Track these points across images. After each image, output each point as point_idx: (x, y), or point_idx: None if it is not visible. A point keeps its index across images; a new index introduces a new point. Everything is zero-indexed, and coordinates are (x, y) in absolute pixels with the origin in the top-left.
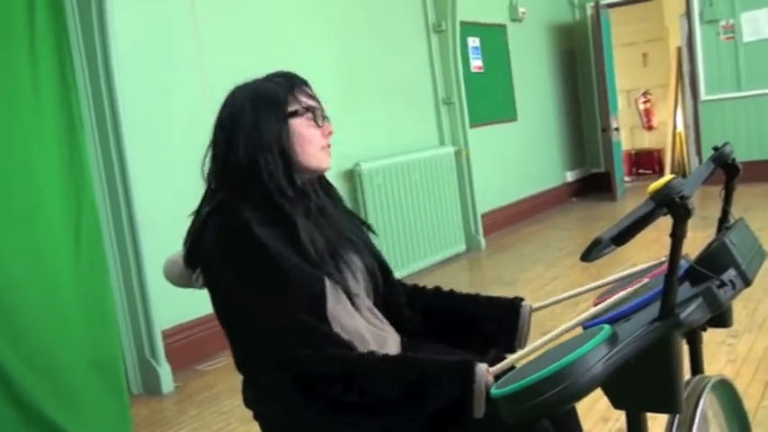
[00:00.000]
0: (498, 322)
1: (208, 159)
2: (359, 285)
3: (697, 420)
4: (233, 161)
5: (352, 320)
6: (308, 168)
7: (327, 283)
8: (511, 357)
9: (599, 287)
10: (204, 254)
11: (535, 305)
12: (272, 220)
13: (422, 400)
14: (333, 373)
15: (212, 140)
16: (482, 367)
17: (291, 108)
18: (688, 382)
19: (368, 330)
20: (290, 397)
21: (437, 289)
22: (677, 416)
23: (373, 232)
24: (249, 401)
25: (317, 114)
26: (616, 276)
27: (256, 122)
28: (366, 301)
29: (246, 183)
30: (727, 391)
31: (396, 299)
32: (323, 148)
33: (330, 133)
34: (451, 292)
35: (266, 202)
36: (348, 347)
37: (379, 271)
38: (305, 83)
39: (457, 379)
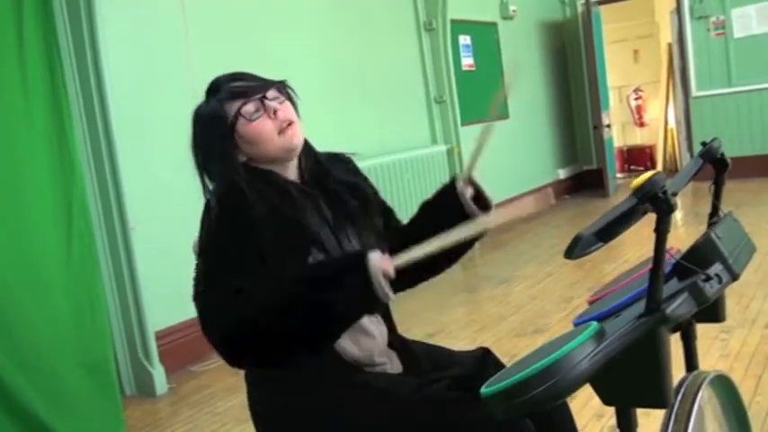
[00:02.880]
0: (442, 200)
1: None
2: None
3: (694, 415)
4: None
5: None
6: (280, 158)
7: (313, 254)
8: (412, 251)
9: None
10: (201, 222)
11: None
12: (267, 186)
13: (327, 296)
14: (246, 319)
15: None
16: (374, 254)
17: (228, 120)
18: (684, 378)
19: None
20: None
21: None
22: (674, 411)
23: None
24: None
25: (255, 107)
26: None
27: (211, 152)
28: None
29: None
30: (725, 386)
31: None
32: (281, 132)
33: (276, 111)
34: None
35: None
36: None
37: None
38: (234, 78)
39: (350, 266)
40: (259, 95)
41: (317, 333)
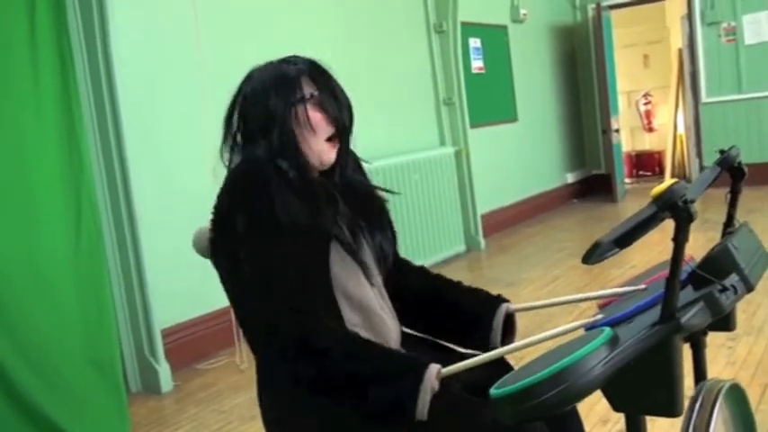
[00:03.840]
0: (476, 315)
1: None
2: (371, 260)
3: (713, 425)
4: (247, 135)
5: (361, 289)
6: (312, 163)
7: (334, 248)
8: (465, 362)
9: (582, 300)
10: (217, 203)
11: (512, 307)
12: (293, 179)
13: (364, 389)
14: (299, 345)
15: (228, 115)
16: (433, 368)
17: (300, 93)
18: (701, 387)
19: (376, 303)
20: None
21: (422, 268)
22: (692, 422)
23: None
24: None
25: (329, 105)
26: (603, 293)
27: (267, 103)
28: (378, 279)
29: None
30: (737, 396)
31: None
32: (326, 141)
33: (336, 119)
34: (437, 275)
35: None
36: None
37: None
38: (319, 69)
39: (406, 372)
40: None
41: (342, 397)
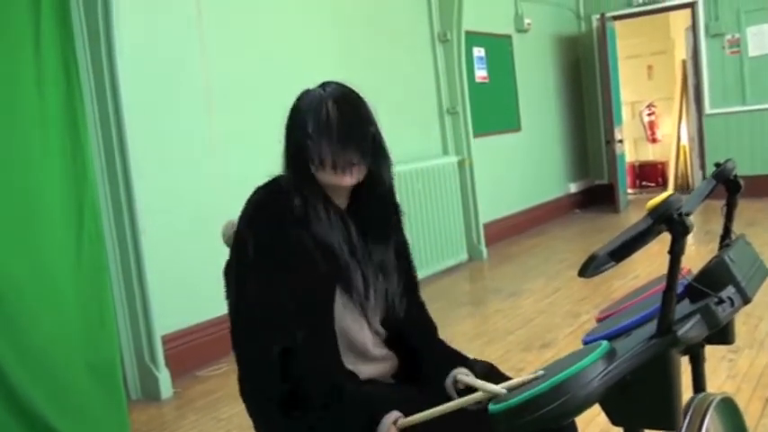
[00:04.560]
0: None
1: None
2: (375, 305)
3: None
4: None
5: (362, 333)
6: (326, 184)
7: (339, 287)
8: (425, 413)
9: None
10: (240, 219)
11: (452, 381)
12: (308, 216)
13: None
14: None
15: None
16: (389, 417)
17: (315, 156)
18: (692, 400)
19: (373, 346)
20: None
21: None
22: None
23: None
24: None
25: (335, 164)
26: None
27: (294, 133)
28: (376, 321)
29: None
30: (729, 409)
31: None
32: (336, 175)
33: (347, 173)
34: (440, 340)
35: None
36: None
37: (405, 295)
38: (341, 107)
39: (363, 415)
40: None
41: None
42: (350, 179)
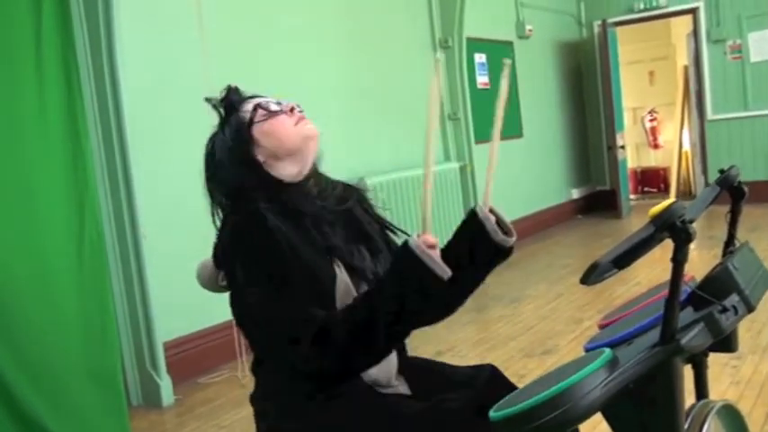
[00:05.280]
0: (469, 241)
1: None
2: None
3: None
4: (225, 192)
5: None
6: (299, 150)
7: (339, 281)
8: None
9: None
10: (222, 249)
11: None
12: (284, 210)
13: (396, 296)
14: (345, 335)
15: (207, 184)
16: (413, 238)
17: (245, 120)
18: (692, 407)
19: None
20: (301, 385)
21: None
22: None
23: (394, 233)
24: (258, 401)
25: (264, 106)
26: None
27: (232, 167)
28: None
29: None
30: (731, 416)
31: None
32: (296, 124)
33: (293, 108)
34: None
35: (277, 197)
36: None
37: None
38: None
39: (398, 260)
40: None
41: (401, 332)
42: (312, 129)
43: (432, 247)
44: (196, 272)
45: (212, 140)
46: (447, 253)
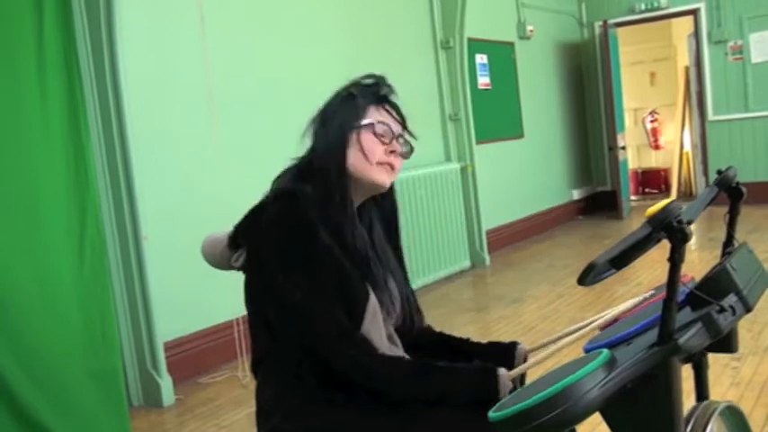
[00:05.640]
0: (495, 358)
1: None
2: (393, 309)
3: None
4: (311, 150)
5: (380, 340)
6: (363, 182)
7: (371, 302)
8: (530, 362)
9: (589, 325)
10: (259, 235)
11: (529, 347)
12: (331, 221)
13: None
14: (379, 373)
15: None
16: (503, 372)
17: (365, 121)
18: (696, 408)
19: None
20: (314, 390)
21: (428, 327)
22: None
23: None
24: (260, 401)
25: (386, 133)
26: (610, 313)
27: (333, 123)
28: (390, 328)
29: (315, 176)
30: (735, 417)
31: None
32: (380, 164)
33: (394, 152)
34: (441, 333)
35: (327, 201)
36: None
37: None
38: (389, 101)
39: (481, 386)
40: (398, 132)
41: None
42: (389, 180)
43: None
44: (203, 246)
45: (340, 96)
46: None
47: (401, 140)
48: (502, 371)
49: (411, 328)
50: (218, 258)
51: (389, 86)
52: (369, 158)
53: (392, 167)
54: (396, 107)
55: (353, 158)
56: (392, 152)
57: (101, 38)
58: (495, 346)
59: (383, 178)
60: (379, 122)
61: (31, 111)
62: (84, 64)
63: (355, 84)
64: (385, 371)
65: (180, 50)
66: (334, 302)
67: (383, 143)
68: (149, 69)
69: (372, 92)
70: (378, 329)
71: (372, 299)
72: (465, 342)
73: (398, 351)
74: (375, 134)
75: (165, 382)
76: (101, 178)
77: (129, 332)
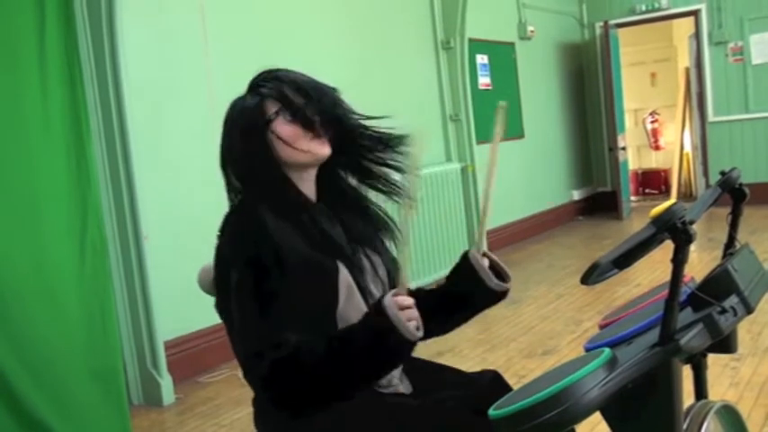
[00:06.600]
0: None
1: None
2: (377, 283)
3: None
4: (238, 176)
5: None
6: (303, 163)
7: (342, 276)
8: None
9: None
10: (218, 252)
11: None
12: (287, 212)
13: (365, 352)
14: (299, 369)
15: (221, 163)
16: (387, 298)
17: (266, 116)
18: (692, 407)
19: None
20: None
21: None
22: None
23: (394, 236)
24: (258, 403)
25: (290, 111)
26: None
27: (242, 146)
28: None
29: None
30: (731, 416)
31: None
32: (311, 139)
33: (313, 132)
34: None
35: (281, 197)
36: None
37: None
38: (280, 78)
39: (372, 321)
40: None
41: (368, 379)
42: (326, 148)
43: (406, 307)
44: (197, 276)
45: (232, 111)
46: (438, 296)
47: (311, 113)
48: (386, 300)
49: None
50: (209, 286)
51: (268, 73)
52: (295, 143)
53: (320, 139)
54: (287, 85)
55: (281, 151)
56: (311, 133)
57: (102, 38)
58: (454, 271)
59: (321, 150)
60: (275, 112)
61: (33, 110)
62: (86, 64)
63: (247, 93)
64: (303, 360)
65: (181, 50)
66: (270, 321)
67: (298, 129)
68: (150, 69)
69: (259, 88)
70: (356, 309)
71: (344, 276)
72: (438, 289)
73: None
74: (286, 119)
75: (166, 381)
76: (101, 178)
77: (129, 331)
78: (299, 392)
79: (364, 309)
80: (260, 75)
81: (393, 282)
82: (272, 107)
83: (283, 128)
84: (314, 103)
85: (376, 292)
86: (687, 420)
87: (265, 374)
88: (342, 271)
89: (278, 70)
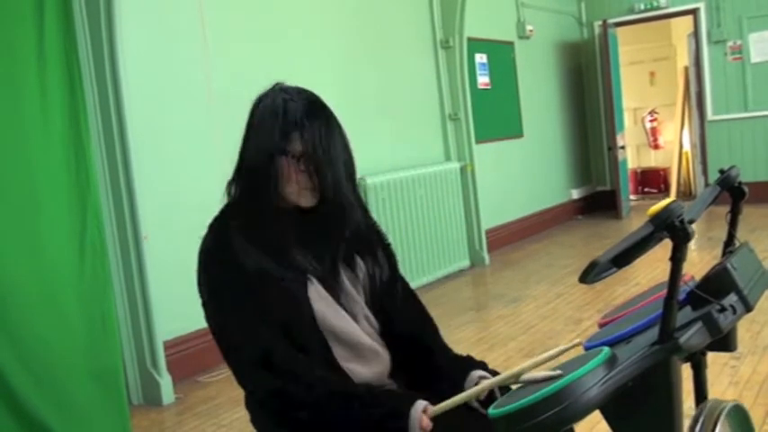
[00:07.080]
0: (452, 380)
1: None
2: (358, 289)
3: None
4: (240, 163)
5: (346, 324)
6: (289, 201)
7: (312, 288)
8: (455, 398)
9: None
10: (197, 271)
11: (481, 374)
12: (258, 227)
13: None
14: (292, 403)
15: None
16: (418, 408)
17: (287, 146)
18: (703, 406)
19: (365, 336)
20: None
21: (422, 312)
22: None
23: (384, 243)
24: (251, 406)
25: (299, 162)
26: (548, 354)
27: (260, 139)
28: (364, 309)
29: (245, 189)
30: (739, 416)
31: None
32: (302, 189)
33: (312, 177)
34: (435, 331)
35: (256, 211)
36: (303, 378)
37: (388, 280)
38: (314, 119)
39: (394, 413)
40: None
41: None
42: (311, 201)
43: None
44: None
45: (273, 103)
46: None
47: (312, 168)
48: (415, 410)
49: (393, 306)
50: None
51: (314, 102)
52: (290, 185)
53: (313, 192)
54: (323, 128)
55: (279, 180)
56: (311, 178)
57: (101, 38)
58: (460, 362)
59: (304, 202)
60: (295, 154)
61: (32, 110)
62: (85, 63)
63: (287, 97)
64: (301, 397)
65: (180, 49)
66: (262, 326)
67: (298, 173)
68: (150, 69)
69: (299, 110)
70: (340, 317)
71: (315, 289)
72: (442, 353)
73: (374, 334)
74: (300, 167)
75: (165, 381)
76: (101, 178)
77: (128, 331)
78: (298, 420)
79: (345, 316)
80: (308, 95)
81: (375, 287)
82: (297, 146)
83: (290, 168)
84: (326, 167)
85: (357, 298)
86: (700, 421)
87: (273, 391)
88: (312, 287)
89: (324, 107)
